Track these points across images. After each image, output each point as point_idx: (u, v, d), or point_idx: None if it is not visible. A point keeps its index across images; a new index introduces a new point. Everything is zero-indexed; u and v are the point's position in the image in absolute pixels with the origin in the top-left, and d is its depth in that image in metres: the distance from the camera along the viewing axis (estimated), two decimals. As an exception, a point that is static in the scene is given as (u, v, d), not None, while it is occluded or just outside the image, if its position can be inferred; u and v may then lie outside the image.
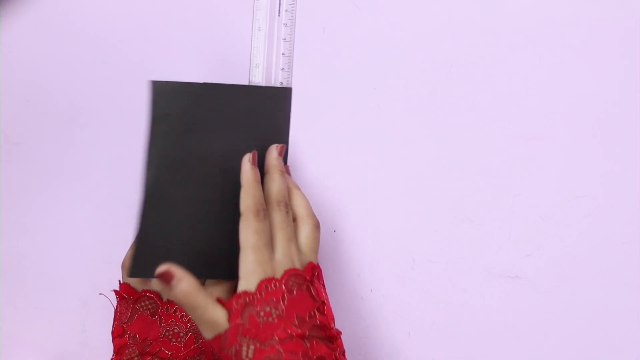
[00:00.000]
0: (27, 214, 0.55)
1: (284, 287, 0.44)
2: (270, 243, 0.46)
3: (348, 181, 0.55)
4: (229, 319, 0.44)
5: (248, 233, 0.46)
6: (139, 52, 0.55)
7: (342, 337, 0.48)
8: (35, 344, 0.54)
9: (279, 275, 0.45)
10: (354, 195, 0.54)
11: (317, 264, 0.48)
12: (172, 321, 0.49)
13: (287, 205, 0.49)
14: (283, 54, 0.54)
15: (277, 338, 0.43)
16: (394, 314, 0.54)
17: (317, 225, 0.49)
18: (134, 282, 0.51)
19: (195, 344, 0.49)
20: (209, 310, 0.44)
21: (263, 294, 0.44)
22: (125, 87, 0.55)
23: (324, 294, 0.47)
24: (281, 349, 0.42)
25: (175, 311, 0.49)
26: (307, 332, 0.43)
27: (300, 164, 0.55)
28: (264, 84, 0.55)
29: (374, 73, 0.55)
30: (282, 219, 0.48)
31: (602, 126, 0.54)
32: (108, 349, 0.54)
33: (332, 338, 0.45)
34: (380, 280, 0.54)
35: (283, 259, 0.46)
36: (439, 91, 0.54)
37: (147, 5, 0.56)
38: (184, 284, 0.44)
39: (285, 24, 0.54)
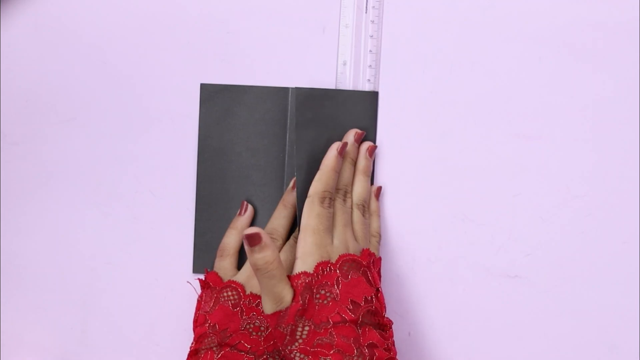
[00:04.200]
0: (27, 214, 0.55)
1: (338, 271, 0.46)
2: (330, 229, 0.48)
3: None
4: (293, 298, 0.45)
5: (310, 216, 0.48)
6: (138, 52, 0.55)
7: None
8: (35, 344, 0.54)
9: (334, 259, 0.46)
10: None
11: (374, 253, 0.49)
12: (253, 314, 0.48)
13: (347, 194, 0.51)
14: (370, 51, 0.54)
15: (331, 321, 0.44)
16: (394, 314, 0.54)
17: (377, 217, 0.53)
18: (223, 271, 0.51)
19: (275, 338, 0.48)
20: (281, 284, 0.45)
21: (319, 276, 0.45)
22: (125, 87, 0.55)
23: (379, 282, 0.48)
24: (334, 333, 0.44)
25: (257, 305, 0.49)
26: (360, 318, 0.44)
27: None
28: (352, 82, 0.55)
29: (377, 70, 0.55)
30: (339, 206, 0.50)
31: (602, 126, 0.54)
32: (108, 349, 0.54)
33: (383, 326, 0.46)
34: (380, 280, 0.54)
35: (339, 244, 0.47)
36: (438, 91, 0.54)
37: (146, 5, 0.56)
38: (269, 252, 0.44)
39: (373, 21, 0.54)
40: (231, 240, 0.52)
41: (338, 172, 0.50)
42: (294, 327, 0.44)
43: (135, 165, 0.55)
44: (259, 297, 0.49)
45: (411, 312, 0.54)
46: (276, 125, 0.54)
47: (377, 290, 0.47)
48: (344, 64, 0.54)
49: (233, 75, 0.55)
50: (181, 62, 0.55)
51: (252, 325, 0.48)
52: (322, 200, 0.48)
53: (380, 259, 0.51)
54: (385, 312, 0.47)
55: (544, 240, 0.53)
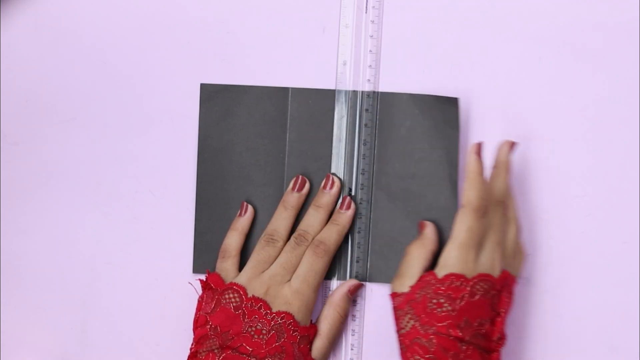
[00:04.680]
0: (27, 214, 0.55)
1: (469, 288, 0.46)
2: (480, 243, 0.47)
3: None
4: (412, 286, 0.47)
5: (462, 229, 0.47)
6: (138, 52, 0.55)
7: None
8: (35, 344, 0.54)
9: (471, 274, 0.46)
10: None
11: (513, 274, 0.49)
12: (255, 317, 0.48)
13: (506, 207, 0.49)
14: (370, 51, 0.54)
15: (436, 329, 0.45)
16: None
17: (520, 230, 0.51)
18: (225, 272, 0.51)
19: (277, 342, 0.48)
20: (415, 263, 0.49)
21: (445, 286, 0.46)
22: (125, 87, 0.55)
23: (506, 306, 0.47)
24: (434, 341, 0.45)
25: (260, 308, 0.49)
26: (467, 337, 0.45)
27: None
28: (352, 82, 0.55)
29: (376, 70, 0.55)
30: (498, 221, 0.48)
31: (602, 126, 0.54)
32: (108, 349, 0.54)
33: (490, 350, 0.46)
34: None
35: (485, 263, 0.47)
36: (439, 91, 0.54)
37: (146, 6, 0.56)
38: (430, 228, 0.50)
39: (372, 21, 0.54)
40: (232, 241, 0.52)
41: (483, 174, 0.48)
42: (402, 314, 0.47)
43: (135, 165, 0.55)
44: (261, 300, 0.49)
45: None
46: (276, 125, 0.54)
47: (498, 314, 0.47)
48: (344, 64, 0.54)
49: (233, 75, 0.55)
50: (181, 62, 0.55)
51: (254, 329, 0.48)
52: (477, 210, 0.47)
53: (514, 278, 0.49)
54: (500, 336, 0.47)
55: (544, 240, 0.53)
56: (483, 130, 0.54)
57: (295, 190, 0.53)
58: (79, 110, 0.55)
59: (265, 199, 0.54)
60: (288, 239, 0.52)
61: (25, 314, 0.55)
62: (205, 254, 0.54)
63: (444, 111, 0.53)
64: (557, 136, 0.54)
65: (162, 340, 0.54)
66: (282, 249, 0.51)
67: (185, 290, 0.54)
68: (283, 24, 0.55)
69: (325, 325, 0.51)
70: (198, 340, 0.49)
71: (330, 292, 0.52)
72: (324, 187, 0.53)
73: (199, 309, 0.51)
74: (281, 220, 0.52)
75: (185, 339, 0.53)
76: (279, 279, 0.50)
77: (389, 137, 0.53)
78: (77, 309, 0.55)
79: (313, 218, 0.52)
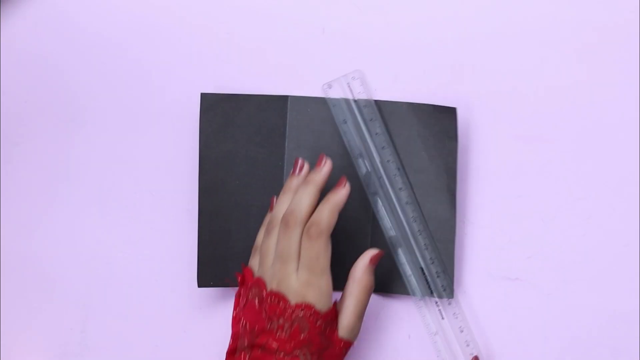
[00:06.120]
0: (27, 214, 0.55)
1: None
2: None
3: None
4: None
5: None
6: (138, 54, 0.55)
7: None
8: (35, 344, 0.55)
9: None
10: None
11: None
12: (276, 312, 0.46)
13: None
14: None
15: None
16: (394, 316, 0.54)
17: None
18: (255, 268, 0.50)
19: (301, 334, 0.46)
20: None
21: None
22: (125, 87, 0.55)
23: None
24: None
25: (278, 302, 0.46)
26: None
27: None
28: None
29: (373, 73, 0.55)
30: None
31: (603, 128, 0.54)
32: (108, 349, 0.55)
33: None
34: (380, 282, 0.54)
35: None
36: (439, 92, 0.54)
37: (146, 7, 0.56)
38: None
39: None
40: (262, 237, 0.51)
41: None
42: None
43: (135, 166, 0.55)
44: (279, 294, 0.46)
45: (411, 314, 0.53)
46: (275, 134, 0.54)
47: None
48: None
49: (233, 75, 0.55)
50: (180, 65, 0.55)
51: (276, 324, 0.46)
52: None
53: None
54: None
55: (545, 242, 0.53)
56: (483, 131, 0.54)
57: (296, 173, 0.50)
58: (79, 111, 0.55)
59: (265, 208, 0.53)
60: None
61: (25, 314, 0.55)
62: (208, 268, 0.53)
63: (442, 120, 0.53)
64: (558, 137, 0.54)
65: (162, 341, 0.55)
66: None
67: (185, 291, 0.54)
68: (284, 29, 0.55)
69: (351, 301, 0.48)
70: (233, 337, 0.48)
71: (353, 267, 0.49)
72: (317, 165, 0.49)
73: (236, 305, 0.50)
74: (281, 205, 0.50)
75: (185, 339, 0.54)
76: (284, 272, 0.47)
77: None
78: (77, 309, 0.55)
79: (301, 194, 0.48)
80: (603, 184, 0.53)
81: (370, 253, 0.49)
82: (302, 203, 0.47)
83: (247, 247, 0.53)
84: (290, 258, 0.47)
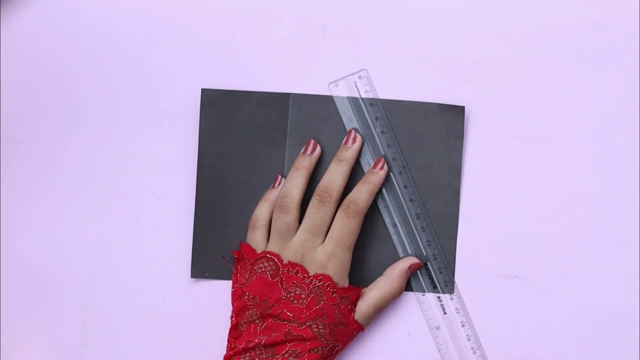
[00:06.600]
0: (27, 214, 0.55)
1: None
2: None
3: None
4: None
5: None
6: (139, 52, 0.55)
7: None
8: (35, 344, 0.54)
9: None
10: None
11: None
12: (293, 282, 0.48)
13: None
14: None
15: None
16: (394, 314, 0.54)
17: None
18: (255, 243, 0.51)
19: (317, 305, 0.48)
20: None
21: None
22: (126, 84, 0.55)
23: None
24: None
25: (297, 272, 0.48)
26: None
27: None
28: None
29: (373, 73, 0.55)
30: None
31: (602, 127, 0.54)
32: (108, 348, 0.54)
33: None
34: (380, 281, 0.54)
35: None
36: (440, 91, 0.54)
37: (146, 7, 0.56)
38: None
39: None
40: (262, 211, 0.52)
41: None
42: None
43: (136, 165, 0.55)
44: (298, 265, 0.48)
45: (411, 312, 0.54)
46: (276, 131, 0.54)
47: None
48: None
49: (233, 75, 0.55)
50: (181, 63, 0.55)
51: (293, 294, 0.48)
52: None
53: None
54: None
55: (543, 240, 0.54)
56: (483, 129, 0.54)
57: (308, 153, 0.52)
58: (79, 109, 0.55)
59: None
60: (302, 202, 0.51)
61: (25, 314, 0.55)
62: (203, 259, 0.54)
63: (448, 119, 0.53)
64: (557, 137, 0.54)
65: (162, 340, 0.54)
66: (298, 214, 0.50)
67: (185, 290, 0.54)
68: (284, 27, 0.55)
69: (376, 294, 0.50)
70: (238, 312, 0.49)
71: (391, 265, 0.52)
72: (346, 142, 0.52)
73: (234, 281, 0.50)
74: (293, 181, 0.51)
75: (185, 339, 0.54)
76: (310, 244, 0.49)
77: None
78: (77, 309, 0.55)
79: (335, 172, 0.50)
80: (602, 182, 0.54)
81: (411, 260, 0.52)
82: (337, 180, 0.50)
83: (244, 241, 0.53)
84: (321, 231, 0.49)
